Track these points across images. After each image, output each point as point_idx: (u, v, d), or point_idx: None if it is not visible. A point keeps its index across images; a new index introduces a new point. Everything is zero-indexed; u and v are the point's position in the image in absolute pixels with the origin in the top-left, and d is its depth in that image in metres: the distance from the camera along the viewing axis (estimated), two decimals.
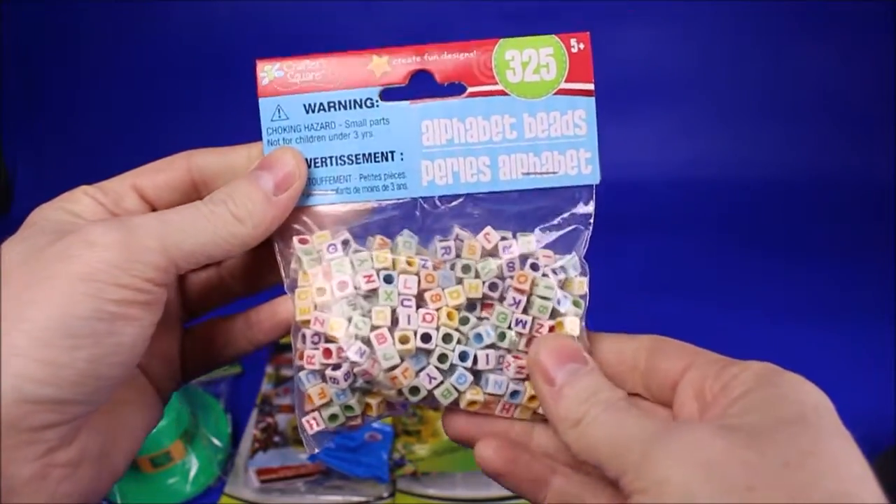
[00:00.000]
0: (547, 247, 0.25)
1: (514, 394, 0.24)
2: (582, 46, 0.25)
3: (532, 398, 0.25)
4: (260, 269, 0.28)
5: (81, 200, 0.27)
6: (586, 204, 0.26)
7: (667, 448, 0.20)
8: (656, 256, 0.88)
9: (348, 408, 0.24)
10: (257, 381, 0.69)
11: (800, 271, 0.85)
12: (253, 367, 0.71)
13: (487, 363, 0.24)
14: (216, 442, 0.59)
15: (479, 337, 0.24)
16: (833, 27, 1.01)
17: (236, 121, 1.20)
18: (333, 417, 0.24)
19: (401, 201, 0.23)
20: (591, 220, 0.26)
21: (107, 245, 0.21)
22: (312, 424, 0.25)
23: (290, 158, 0.25)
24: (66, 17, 1.01)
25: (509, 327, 0.24)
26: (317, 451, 0.26)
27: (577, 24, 1.10)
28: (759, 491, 0.19)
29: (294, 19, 1.02)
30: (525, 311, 0.24)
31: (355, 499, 0.56)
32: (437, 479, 0.57)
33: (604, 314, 0.85)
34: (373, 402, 0.24)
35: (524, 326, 0.24)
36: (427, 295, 0.23)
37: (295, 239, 0.24)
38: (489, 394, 0.24)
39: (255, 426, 0.62)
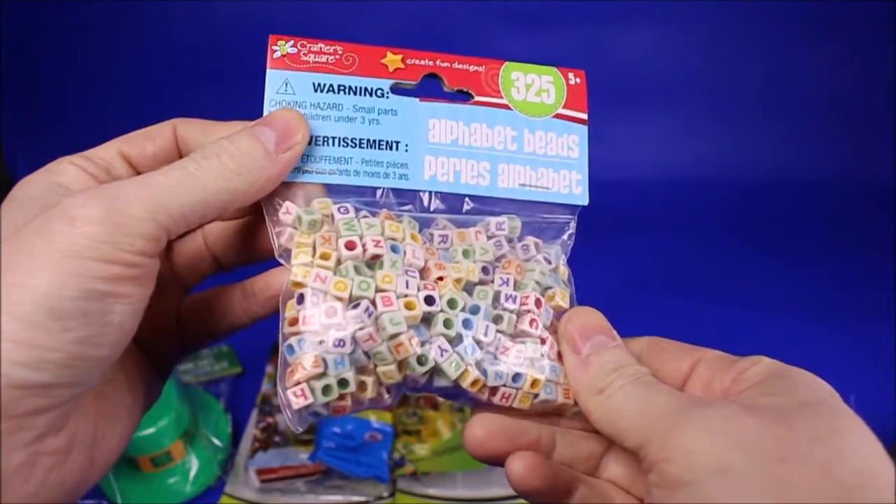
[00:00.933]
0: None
1: (517, 377, 0.24)
2: (578, 80, 0.27)
3: (534, 382, 0.24)
4: (246, 240, 0.27)
5: (67, 171, 0.25)
6: (572, 217, 0.27)
7: (697, 420, 0.21)
8: (656, 256, 0.88)
9: (343, 382, 0.23)
10: (257, 380, 0.69)
11: (800, 271, 0.85)
12: (253, 367, 0.71)
13: (486, 335, 0.24)
14: (216, 442, 0.59)
15: (476, 308, 0.24)
16: (833, 28, 1.01)
17: (235, 120, 1.20)
18: (327, 389, 0.23)
19: (401, 189, 0.24)
20: (573, 233, 0.27)
21: (89, 218, 0.20)
22: (300, 396, 0.22)
23: (294, 117, 0.24)
24: (66, 17, 1.01)
25: (501, 306, 0.25)
26: (300, 429, 0.24)
27: (577, 25, 1.10)
28: (792, 463, 0.20)
29: (294, 19, 1.02)
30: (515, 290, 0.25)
31: (355, 498, 0.56)
32: (437, 478, 0.57)
33: (605, 314, 0.84)
34: (368, 380, 0.23)
35: (514, 301, 0.25)
36: (430, 263, 0.24)
37: (290, 203, 0.24)
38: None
39: (256, 426, 0.61)
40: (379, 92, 0.24)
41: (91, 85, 1.04)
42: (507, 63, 0.25)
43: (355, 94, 0.24)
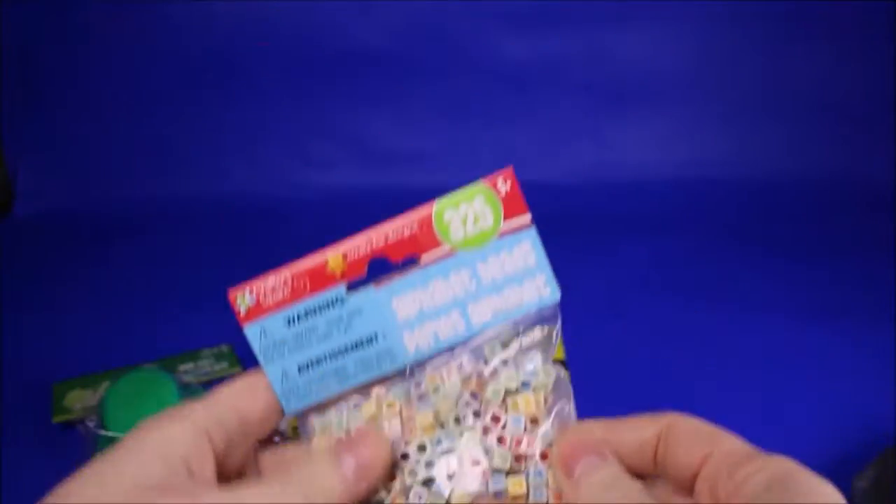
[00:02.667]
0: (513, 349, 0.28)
1: (497, 493, 0.25)
2: (509, 184, 0.25)
3: (516, 497, 0.25)
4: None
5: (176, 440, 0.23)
6: (552, 319, 0.28)
7: None
8: (656, 256, 0.88)
9: None
10: None
11: (800, 271, 0.85)
12: (253, 367, 0.71)
13: (448, 469, 0.25)
14: None
15: (442, 442, 0.25)
16: (833, 27, 1.01)
17: (236, 121, 1.21)
18: None
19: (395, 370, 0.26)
20: (555, 326, 0.28)
21: None
22: None
23: (380, 447, 0.24)
24: (66, 18, 1.01)
25: (459, 422, 0.26)
26: None
27: (577, 25, 1.10)
28: None
29: (294, 19, 1.02)
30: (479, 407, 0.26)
31: None
32: None
33: (604, 314, 0.85)
34: None
35: (477, 417, 0.26)
36: (407, 422, 0.26)
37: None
38: None
39: None
40: (338, 300, 0.25)
41: (91, 86, 1.04)
42: (436, 204, 0.25)
43: (321, 312, 0.25)
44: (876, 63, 1.02)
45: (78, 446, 0.59)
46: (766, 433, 0.62)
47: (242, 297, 0.26)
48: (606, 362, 0.71)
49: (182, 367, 0.70)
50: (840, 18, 1.00)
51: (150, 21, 1.01)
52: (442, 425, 0.25)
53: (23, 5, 1.00)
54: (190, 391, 0.63)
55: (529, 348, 0.27)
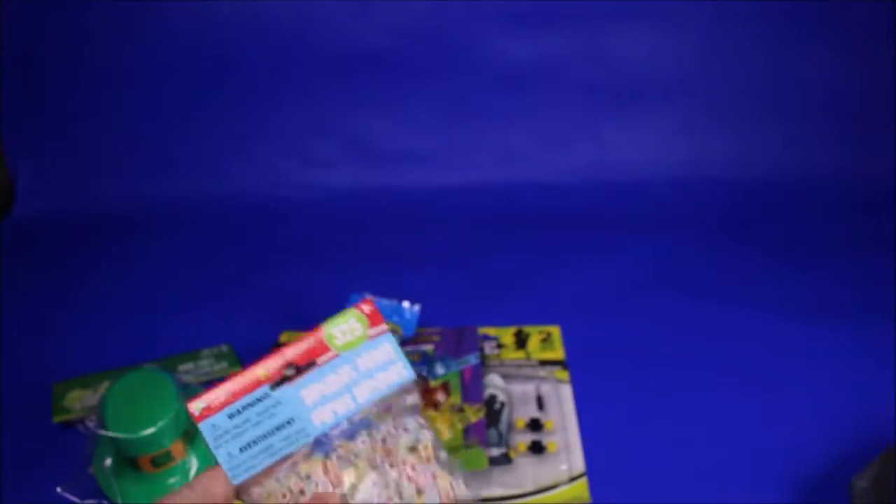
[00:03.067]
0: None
1: None
2: (370, 308, 0.38)
3: None
4: None
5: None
6: (410, 393, 0.38)
7: None
8: (656, 256, 0.88)
9: None
10: None
11: (800, 271, 0.85)
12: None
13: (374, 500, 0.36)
14: None
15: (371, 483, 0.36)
16: (833, 27, 1.01)
17: (235, 121, 1.21)
18: None
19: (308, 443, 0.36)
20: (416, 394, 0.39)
21: None
22: None
23: (334, 495, 0.34)
24: (67, 18, 1.01)
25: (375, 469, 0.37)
26: None
27: (577, 25, 1.10)
28: None
29: (294, 19, 1.02)
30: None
31: None
32: None
33: (605, 314, 0.85)
34: None
35: (391, 467, 0.37)
36: (332, 477, 0.37)
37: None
38: None
39: None
40: (265, 396, 0.36)
41: (92, 87, 1.04)
42: (326, 324, 0.37)
43: (252, 406, 0.36)
44: (876, 63, 1.02)
45: (78, 446, 0.59)
46: (766, 433, 0.62)
47: (197, 405, 0.36)
48: (606, 362, 0.71)
49: (182, 367, 0.70)
50: (840, 18, 1.00)
51: (149, 21, 1.01)
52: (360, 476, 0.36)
53: (23, 5, 1.00)
54: (190, 391, 0.63)
55: (405, 414, 0.39)
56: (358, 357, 0.38)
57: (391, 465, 0.37)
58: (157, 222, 1.00)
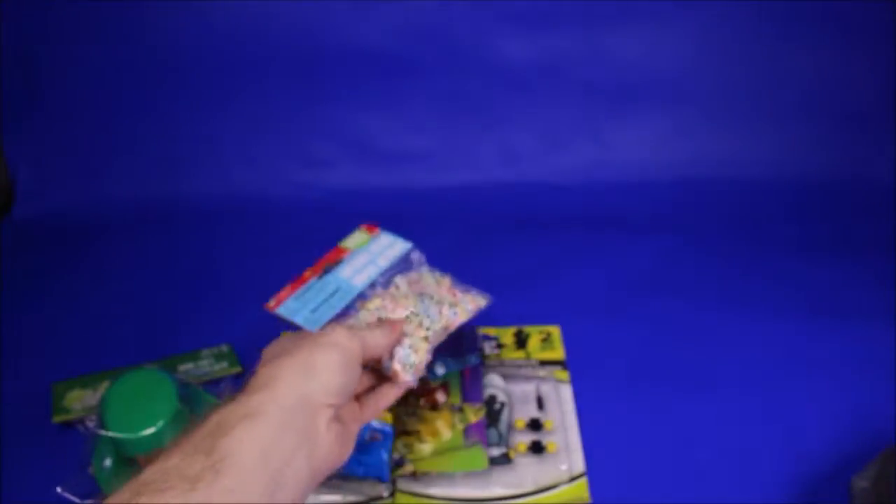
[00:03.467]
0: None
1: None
2: (366, 226, 0.59)
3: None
4: None
5: None
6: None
7: None
8: (656, 256, 0.88)
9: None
10: None
11: (800, 271, 0.85)
12: (252, 366, 0.71)
13: (431, 315, 0.56)
14: None
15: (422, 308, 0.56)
16: (833, 27, 1.01)
17: (236, 121, 1.21)
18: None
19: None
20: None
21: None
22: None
23: (394, 320, 0.53)
24: (67, 18, 1.01)
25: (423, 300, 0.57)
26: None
27: (577, 25, 1.10)
28: None
29: (293, 19, 1.02)
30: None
31: (354, 498, 0.56)
32: (437, 479, 0.57)
33: (605, 314, 0.85)
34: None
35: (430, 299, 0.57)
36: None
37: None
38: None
39: None
40: (314, 283, 0.53)
41: (92, 86, 1.04)
42: (339, 243, 0.57)
43: (308, 289, 0.53)
44: (876, 63, 1.02)
45: (78, 446, 0.59)
46: (766, 432, 0.62)
47: (270, 302, 0.52)
48: (607, 362, 0.71)
49: (182, 367, 0.70)
50: (840, 18, 1.00)
51: (149, 21, 1.01)
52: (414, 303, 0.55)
53: (23, 5, 1.00)
54: (190, 391, 0.63)
55: (422, 265, 0.59)
56: (368, 248, 0.57)
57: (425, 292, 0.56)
58: (156, 222, 1.00)
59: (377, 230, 0.58)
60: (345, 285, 0.53)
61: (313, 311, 0.51)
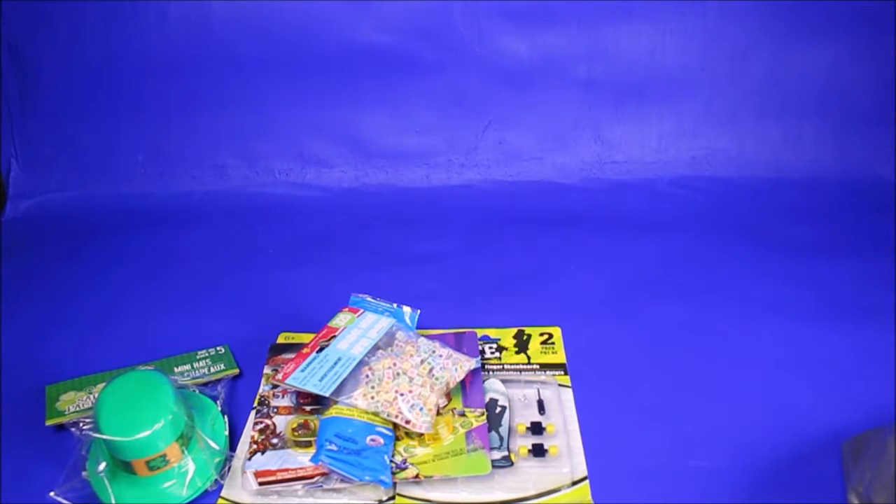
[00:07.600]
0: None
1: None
2: (348, 309, 0.71)
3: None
4: None
5: None
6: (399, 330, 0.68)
7: None
8: (657, 256, 0.88)
9: None
10: (255, 382, 0.68)
11: (800, 271, 0.85)
12: (250, 368, 0.70)
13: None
14: (213, 444, 0.58)
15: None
16: (833, 26, 1.01)
17: (235, 120, 1.20)
18: None
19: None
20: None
21: None
22: None
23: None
24: (63, 17, 1.01)
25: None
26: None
27: (577, 24, 1.10)
28: None
29: (293, 19, 1.01)
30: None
31: (354, 502, 0.55)
32: (438, 482, 0.57)
33: (605, 314, 0.84)
34: None
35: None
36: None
37: None
38: None
39: (253, 428, 0.61)
40: (315, 356, 0.64)
41: (85, 86, 1.03)
42: (329, 323, 0.67)
43: (311, 363, 0.64)
44: (878, 63, 1.02)
45: (72, 449, 0.58)
46: (766, 432, 0.61)
47: (278, 376, 0.61)
48: (607, 362, 0.70)
49: (178, 369, 0.69)
50: (843, 18, 1.00)
51: (148, 21, 1.00)
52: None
53: (21, 5, 1.00)
54: (186, 393, 0.62)
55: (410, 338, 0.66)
56: (357, 324, 0.67)
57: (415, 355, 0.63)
58: (153, 222, 0.99)
59: (360, 310, 0.69)
60: (345, 355, 0.63)
61: (321, 378, 0.60)
